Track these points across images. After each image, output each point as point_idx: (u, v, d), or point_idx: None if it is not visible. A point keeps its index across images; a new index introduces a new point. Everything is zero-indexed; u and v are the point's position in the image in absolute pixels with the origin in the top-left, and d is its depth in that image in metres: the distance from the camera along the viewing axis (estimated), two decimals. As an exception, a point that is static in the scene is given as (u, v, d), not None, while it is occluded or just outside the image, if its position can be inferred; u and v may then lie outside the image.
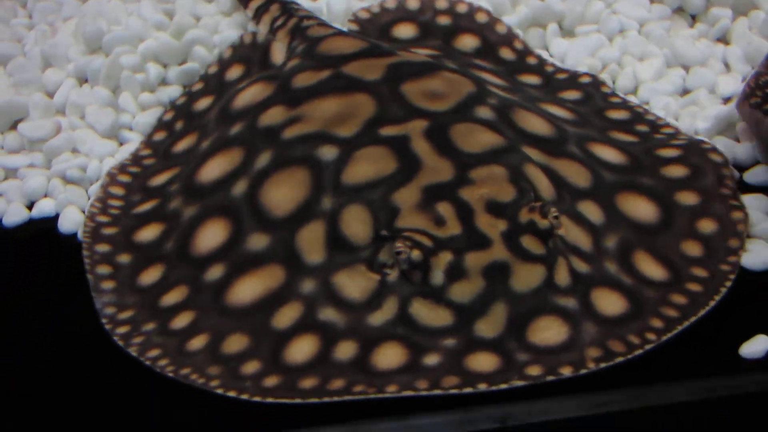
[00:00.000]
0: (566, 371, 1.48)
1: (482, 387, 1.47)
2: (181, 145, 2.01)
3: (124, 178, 1.96)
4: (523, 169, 1.69)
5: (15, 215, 2.02)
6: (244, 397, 1.51)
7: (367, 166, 1.70)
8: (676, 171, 1.83)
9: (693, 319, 1.57)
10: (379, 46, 2.02)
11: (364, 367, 1.52)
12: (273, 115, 1.87)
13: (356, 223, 1.64)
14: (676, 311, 1.58)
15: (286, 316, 1.61)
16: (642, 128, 1.97)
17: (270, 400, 1.50)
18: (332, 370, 1.52)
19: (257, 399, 1.50)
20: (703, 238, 1.71)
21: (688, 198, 1.78)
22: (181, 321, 1.65)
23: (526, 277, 1.56)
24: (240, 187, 1.79)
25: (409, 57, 1.97)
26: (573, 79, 2.13)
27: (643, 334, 1.53)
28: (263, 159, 1.80)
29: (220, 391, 1.52)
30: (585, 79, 2.12)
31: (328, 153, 1.74)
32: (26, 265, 1.90)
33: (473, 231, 1.59)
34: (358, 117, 1.79)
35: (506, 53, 2.21)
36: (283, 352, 1.56)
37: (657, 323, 1.56)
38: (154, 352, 1.60)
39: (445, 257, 1.56)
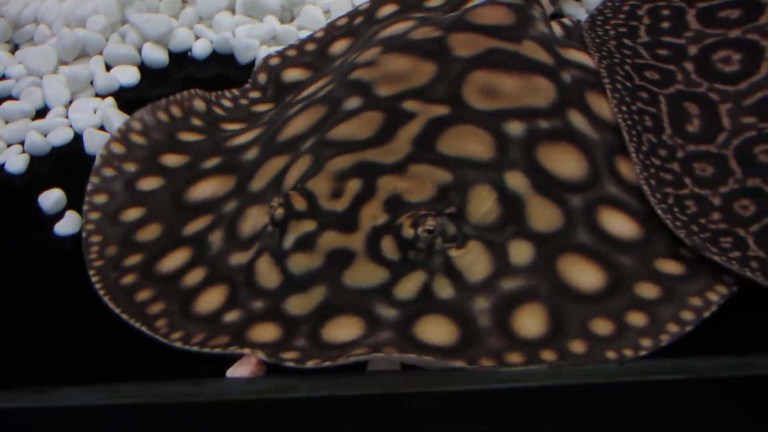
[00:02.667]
0: (289, 357, 1.49)
1: (218, 348, 1.53)
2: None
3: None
4: (471, 186, 1.65)
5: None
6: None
7: (352, 127, 1.75)
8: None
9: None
10: (520, 28, 1.96)
11: (185, 302, 1.63)
12: (367, 54, 1.93)
13: (296, 170, 1.71)
14: (492, 360, 1.52)
15: (194, 226, 1.77)
16: None
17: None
18: (166, 291, 1.67)
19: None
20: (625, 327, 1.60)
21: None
22: (169, 264, 1.73)
23: (362, 275, 1.55)
24: (292, 111, 1.92)
25: (527, 50, 1.90)
26: None
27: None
28: (324, 90, 1.91)
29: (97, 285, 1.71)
30: None
31: (351, 103, 1.81)
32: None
33: (352, 214, 1.59)
34: (406, 83, 1.82)
35: None
36: (159, 260, 1.73)
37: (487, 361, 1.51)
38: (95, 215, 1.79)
39: (305, 226, 1.58)
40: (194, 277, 1.68)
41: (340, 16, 2.30)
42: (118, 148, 1.95)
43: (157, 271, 1.72)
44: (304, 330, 1.52)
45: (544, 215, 1.67)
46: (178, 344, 1.57)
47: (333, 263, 1.56)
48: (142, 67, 2.42)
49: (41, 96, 2.31)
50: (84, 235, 1.82)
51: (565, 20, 2.14)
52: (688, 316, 1.58)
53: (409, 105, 1.77)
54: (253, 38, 2.39)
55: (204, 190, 1.85)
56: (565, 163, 1.74)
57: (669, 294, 1.60)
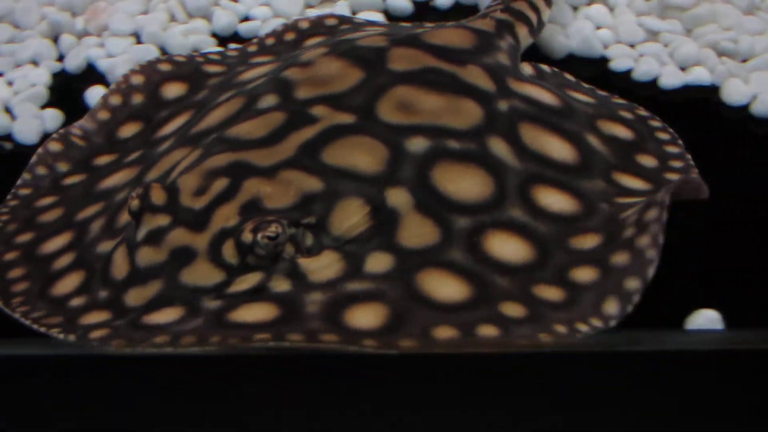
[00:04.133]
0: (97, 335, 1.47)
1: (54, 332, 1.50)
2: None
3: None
4: (340, 199, 1.59)
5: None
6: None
7: (251, 125, 1.71)
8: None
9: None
10: (471, 53, 1.89)
11: (46, 285, 1.61)
12: (311, 53, 1.90)
13: (183, 164, 1.68)
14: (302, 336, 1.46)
15: (94, 209, 1.78)
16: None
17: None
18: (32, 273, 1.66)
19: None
20: None
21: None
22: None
23: (198, 274, 1.51)
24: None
25: (467, 74, 1.82)
26: None
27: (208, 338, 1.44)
28: (256, 82, 1.89)
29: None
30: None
31: (266, 101, 1.78)
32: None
33: (207, 213, 1.55)
34: (326, 87, 1.77)
35: None
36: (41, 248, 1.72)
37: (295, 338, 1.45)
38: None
39: (158, 220, 1.56)
40: (63, 261, 1.67)
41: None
42: (54, 147, 1.94)
43: (37, 252, 1.71)
44: (130, 317, 1.50)
45: (416, 232, 1.59)
46: (17, 314, 1.57)
47: (174, 260, 1.53)
48: (387, 14, 2.39)
49: (293, 37, 2.29)
50: None
51: (544, 66, 2.03)
52: (546, 339, 1.48)
53: (316, 110, 1.72)
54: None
55: (111, 180, 1.83)
56: (462, 183, 1.65)
57: (534, 316, 1.51)
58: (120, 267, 1.57)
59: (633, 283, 1.52)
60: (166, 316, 1.49)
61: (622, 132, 1.86)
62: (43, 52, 2.29)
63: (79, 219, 1.75)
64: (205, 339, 1.44)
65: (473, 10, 2.38)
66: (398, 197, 1.61)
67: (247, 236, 1.51)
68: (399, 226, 1.59)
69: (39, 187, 1.87)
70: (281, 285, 1.52)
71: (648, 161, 1.81)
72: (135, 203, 1.57)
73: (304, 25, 2.20)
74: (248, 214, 1.54)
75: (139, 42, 2.34)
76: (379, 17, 2.37)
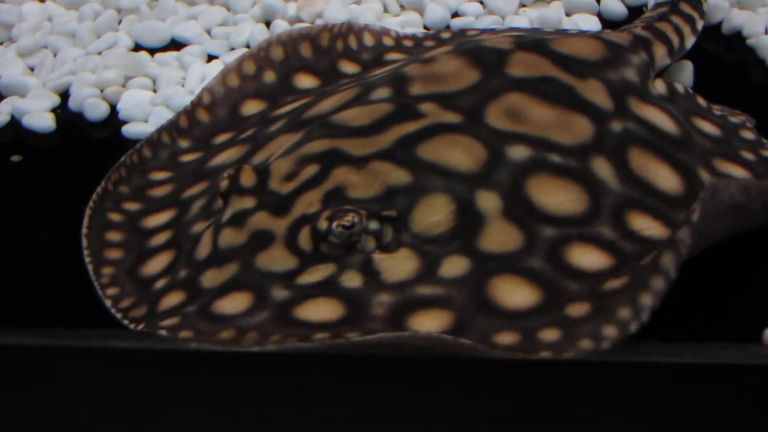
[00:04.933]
0: (167, 324, 1.47)
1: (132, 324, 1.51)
2: None
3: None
4: (426, 193, 1.55)
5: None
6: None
7: (356, 113, 1.69)
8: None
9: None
10: (596, 66, 1.83)
11: (133, 269, 1.61)
12: (434, 51, 1.89)
13: (275, 146, 1.70)
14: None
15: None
16: None
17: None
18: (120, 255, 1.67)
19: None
20: None
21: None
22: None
23: (272, 259, 1.50)
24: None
25: (585, 89, 1.77)
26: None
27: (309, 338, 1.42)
28: (377, 73, 1.90)
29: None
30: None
31: (379, 93, 1.76)
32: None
33: (290, 199, 1.54)
34: (440, 85, 1.74)
35: None
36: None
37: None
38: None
39: (244, 203, 1.55)
40: (159, 239, 1.67)
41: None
42: (182, 122, 1.93)
43: (140, 225, 1.72)
44: (203, 300, 1.49)
45: (499, 237, 1.55)
46: (108, 302, 1.57)
47: (252, 243, 1.52)
48: (601, 17, 2.35)
49: (508, 35, 2.26)
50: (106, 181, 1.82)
51: (678, 86, 1.92)
52: (609, 332, 1.42)
53: (424, 106, 1.69)
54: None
55: (221, 158, 1.82)
56: (556, 197, 1.61)
57: (600, 313, 1.46)
58: (204, 247, 1.56)
59: None
60: (234, 304, 1.48)
61: (738, 172, 1.76)
62: (258, 36, 2.29)
63: (184, 197, 1.76)
64: (265, 339, 1.42)
65: (688, 18, 2.33)
66: (488, 200, 1.58)
67: (322, 224, 1.49)
68: (483, 229, 1.56)
69: (158, 158, 1.88)
70: (352, 280, 1.50)
71: None
72: (224, 184, 1.57)
73: (446, 35, 2.17)
74: (330, 201, 1.53)
75: (353, 32, 2.32)
76: (593, 20, 2.32)
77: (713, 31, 2.29)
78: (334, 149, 1.61)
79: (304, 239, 1.51)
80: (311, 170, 1.58)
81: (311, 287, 1.49)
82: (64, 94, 2.18)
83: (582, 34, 1.97)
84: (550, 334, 1.44)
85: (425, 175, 1.58)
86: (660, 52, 1.97)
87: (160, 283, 1.57)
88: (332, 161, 1.59)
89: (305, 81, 2.01)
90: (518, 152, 1.64)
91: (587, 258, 1.55)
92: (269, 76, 2.00)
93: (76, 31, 2.33)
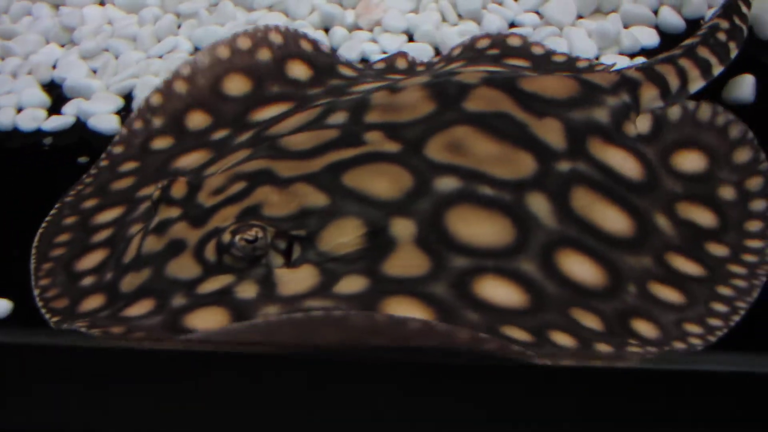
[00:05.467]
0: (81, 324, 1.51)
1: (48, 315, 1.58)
2: None
3: None
4: (338, 217, 1.56)
5: None
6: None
7: (302, 138, 1.72)
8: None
9: None
10: (563, 105, 1.79)
11: (69, 262, 1.67)
12: (409, 80, 1.89)
13: (229, 164, 1.71)
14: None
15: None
16: None
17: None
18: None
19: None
20: None
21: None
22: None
23: (179, 267, 1.54)
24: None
25: (539, 127, 1.74)
26: None
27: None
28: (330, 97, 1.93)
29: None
30: None
31: (335, 118, 1.78)
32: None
33: (209, 212, 1.58)
34: (394, 116, 1.75)
35: None
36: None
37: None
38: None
39: (170, 212, 1.59)
40: (102, 235, 1.73)
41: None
42: (155, 100, 1.98)
43: (90, 222, 1.78)
44: (118, 306, 1.54)
45: (405, 263, 1.54)
46: (36, 291, 1.64)
47: (167, 251, 1.56)
48: (658, 29, 2.36)
49: (566, 46, 2.28)
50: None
51: (673, 112, 1.88)
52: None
53: (370, 135, 1.71)
54: (776, 13, 2.31)
55: (187, 160, 1.87)
56: (477, 228, 1.59)
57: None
58: (131, 252, 1.61)
59: None
60: (139, 309, 1.52)
61: (704, 218, 1.74)
62: (318, 43, 2.31)
63: (138, 195, 1.80)
64: (143, 340, 1.46)
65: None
66: (402, 227, 1.58)
67: (226, 236, 1.52)
68: (390, 254, 1.55)
69: (130, 145, 1.92)
70: (247, 291, 1.52)
71: (719, 251, 1.70)
72: (156, 194, 1.61)
73: (456, 51, 2.18)
74: (245, 217, 1.56)
75: (411, 40, 2.34)
76: (650, 32, 2.33)
77: (773, 44, 2.29)
78: (266, 170, 1.64)
79: (210, 250, 1.54)
80: (238, 187, 1.61)
81: (206, 296, 1.51)
82: (128, 97, 2.21)
83: (560, 75, 1.92)
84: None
85: (343, 200, 1.59)
86: (649, 95, 1.90)
87: (87, 281, 1.63)
88: (259, 181, 1.62)
89: (298, 71, 2.04)
90: (447, 183, 1.63)
91: (496, 291, 1.53)
92: (263, 54, 2.03)
93: (137, 34, 2.36)
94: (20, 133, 2.14)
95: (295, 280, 1.52)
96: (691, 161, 1.81)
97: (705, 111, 1.87)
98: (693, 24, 2.37)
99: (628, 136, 1.82)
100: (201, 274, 1.53)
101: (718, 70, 2.01)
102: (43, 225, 1.80)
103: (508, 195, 1.64)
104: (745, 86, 2.12)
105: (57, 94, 2.24)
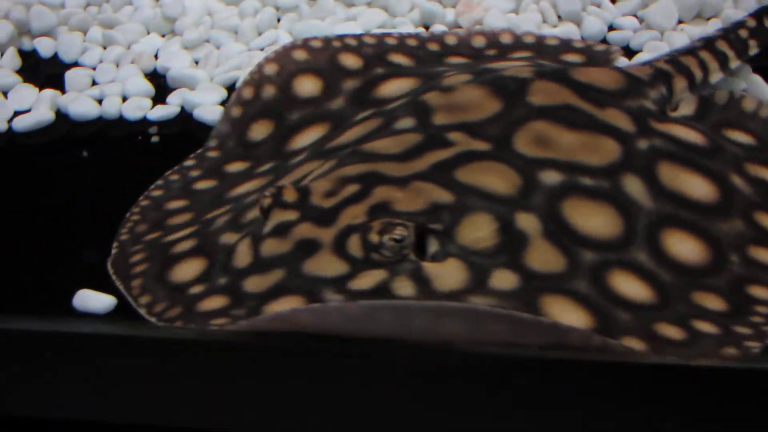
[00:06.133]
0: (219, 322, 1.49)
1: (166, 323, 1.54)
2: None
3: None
4: (469, 211, 1.57)
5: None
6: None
7: (387, 142, 1.71)
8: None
9: None
10: (613, 96, 1.84)
11: (160, 275, 1.63)
12: (454, 79, 1.88)
13: (316, 173, 1.70)
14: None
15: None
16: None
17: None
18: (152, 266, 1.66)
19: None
20: None
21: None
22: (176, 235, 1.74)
23: (321, 264, 1.52)
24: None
25: (606, 116, 1.78)
26: None
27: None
28: (395, 104, 1.88)
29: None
30: None
31: (403, 123, 1.78)
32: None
33: (334, 212, 1.56)
34: (464, 115, 1.76)
35: None
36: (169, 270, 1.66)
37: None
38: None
39: (286, 215, 1.57)
40: (183, 245, 1.69)
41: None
42: (189, 163, 1.99)
43: (161, 241, 1.73)
44: (250, 304, 1.51)
45: (543, 257, 1.56)
46: (143, 311, 1.60)
47: (298, 251, 1.54)
48: (757, 37, 2.35)
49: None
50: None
51: (719, 96, 1.95)
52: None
53: (453, 135, 1.71)
54: None
55: (245, 187, 1.84)
56: (592, 220, 1.62)
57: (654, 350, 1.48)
58: (242, 257, 1.59)
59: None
60: (284, 304, 1.49)
61: None
62: (416, 40, 2.32)
63: (205, 218, 1.77)
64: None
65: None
66: (527, 221, 1.60)
67: (373, 237, 1.52)
68: (526, 248, 1.57)
69: (170, 189, 1.91)
70: (404, 287, 1.51)
71: None
72: (267, 200, 1.59)
73: (451, 40, 2.18)
74: (375, 213, 1.55)
75: (512, 40, 2.34)
76: (751, 40, 2.32)
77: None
78: (372, 172, 1.64)
79: (354, 246, 1.53)
80: (352, 189, 1.60)
81: (365, 293, 1.50)
82: (231, 88, 2.23)
83: (605, 67, 1.99)
84: None
85: (466, 196, 1.60)
86: (679, 86, 1.97)
87: (195, 289, 1.59)
88: (372, 181, 1.61)
89: (307, 87, 2.04)
90: (550, 177, 1.66)
91: (630, 287, 1.56)
92: (268, 91, 2.04)
93: (238, 27, 2.38)
94: (126, 122, 2.17)
95: (446, 275, 1.53)
96: (740, 137, 1.86)
97: (750, 101, 1.93)
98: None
99: (674, 117, 1.89)
100: (348, 271, 1.52)
101: (734, 63, 2.10)
102: (122, 235, 1.79)
103: (605, 182, 1.67)
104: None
105: (160, 84, 2.26)
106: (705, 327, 1.51)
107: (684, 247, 1.63)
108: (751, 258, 1.64)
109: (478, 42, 2.20)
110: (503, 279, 1.53)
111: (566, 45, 2.21)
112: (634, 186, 1.69)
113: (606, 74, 1.91)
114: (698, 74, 2.03)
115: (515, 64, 1.98)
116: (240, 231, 1.66)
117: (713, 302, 1.57)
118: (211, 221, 1.75)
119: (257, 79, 2.03)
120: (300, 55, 2.07)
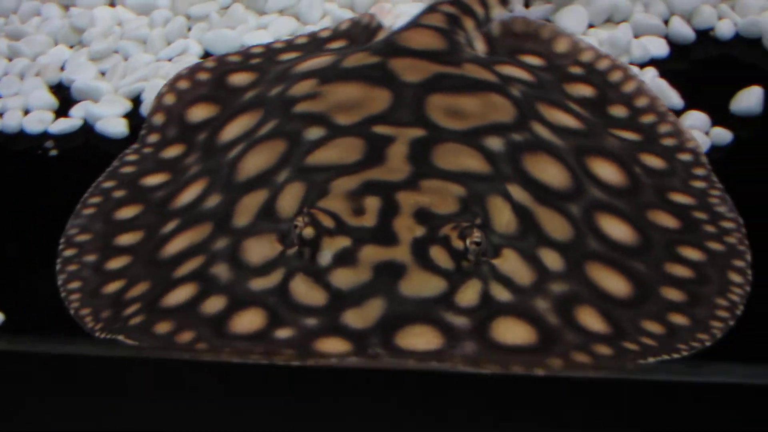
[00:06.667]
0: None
1: (312, 361, 1.42)
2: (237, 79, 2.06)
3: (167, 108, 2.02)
4: (486, 197, 1.61)
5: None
6: (105, 336, 1.55)
7: (333, 152, 1.68)
8: (681, 272, 1.68)
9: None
10: (453, 52, 1.94)
11: (217, 325, 1.50)
12: (302, 87, 1.87)
13: (289, 197, 1.62)
14: (588, 357, 1.48)
15: (186, 268, 1.61)
16: (700, 216, 1.79)
17: (121, 338, 1.54)
18: (189, 320, 1.51)
19: (110, 336, 1.54)
20: (667, 324, 1.58)
21: (672, 294, 1.63)
22: (116, 263, 1.69)
23: (419, 285, 1.48)
24: (236, 151, 1.80)
25: (470, 71, 1.88)
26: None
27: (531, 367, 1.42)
28: (267, 127, 1.81)
29: (100, 334, 1.56)
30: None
31: (313, 134, 1.74)
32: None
33: (385, 228, 1.52)
34: (363, 110, 1.76)
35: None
36: (163, 298, 1.57)
37: (556, 363, 1.46)
38: (73, 285, 1.66)
39: (341, 242, 1.51)
40: (215, 304, 1.55)
41: (231, 53, 2.20)
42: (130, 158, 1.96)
43: (165, 305, 1.58)
44: (374, 341, 1.44)
45: (554, 225, 1.64)
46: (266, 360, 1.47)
47: (383, 276, 1.48)
48: (668, 39, 2.35)
49: (577, 55, 2.27)
50: None
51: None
52: (723, 314, 1.59)
53: (380, 129, 1.71)
54: (792, 25, 2.30)
55: (178, 243, 1.70)
56: (550, 173, 1.71)
57: (694, 298, 1.62)
58: (310, 294, 1.50)
59: None
60: (426, 339, 1.44)
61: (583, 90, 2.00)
62: (329, 47, 2.30)
63: (185, 273, 1.63)
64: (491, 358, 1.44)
65: (756, 42, 2.33)
66: (517, 193, 1.64)
67: (458, 243, 1.50)
68: (537, 220, 1.63)
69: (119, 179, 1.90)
70: (501, 293, 1.52)
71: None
72: (309, 230, 1.51)
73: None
74: (427, 222, 1.54)
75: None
76: (661, 42, 2.32)
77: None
78: (370, 181, 1.60)
79: (442, 258, 1.51)
80: (374, 202, 1.56)
81: (479, 309, 1.49)
82: (136, 100, 2.20)
83: (409, 27, 2.05)
84: (679, 319, 1.58)
85: (468, 183, 1.61)
86: (470, 26, 2.09)
87: (283, 333, 1.47)
88: (383, 190, 1.58)
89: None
90: (494, 143, 1.72)
91: (616, 229, 1.70)
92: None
93: (147, 37, 2.36)
94: (26, 136, 2.14)
95: (514, 269, 1.55)
96: (532, 60, 2.05)
97: (519, 22, 2.12)
98: (703, 34, 2.36)
99: (501, 59, 2.03)
100: (447, 285, 1.49)
101: None
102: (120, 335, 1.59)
103: (527, 134, 1.77)
104: (753, 98, 2.11)
105: (65, 97, 2.23)
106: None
107: (608, 171, 1.81)
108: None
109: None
110: (551, 259, 1.60)
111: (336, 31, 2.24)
112: (542, 132, 1.78)
113: (425, 35, 1.98)
114: (480, 11, 2.14)
115: (328, 59, 1.98)
116: (263, 273, 1.55)
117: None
118: (200, 274, 1.61)
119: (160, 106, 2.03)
120: (186, 84, 2.06)
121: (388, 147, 1.67)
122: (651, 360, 1.51)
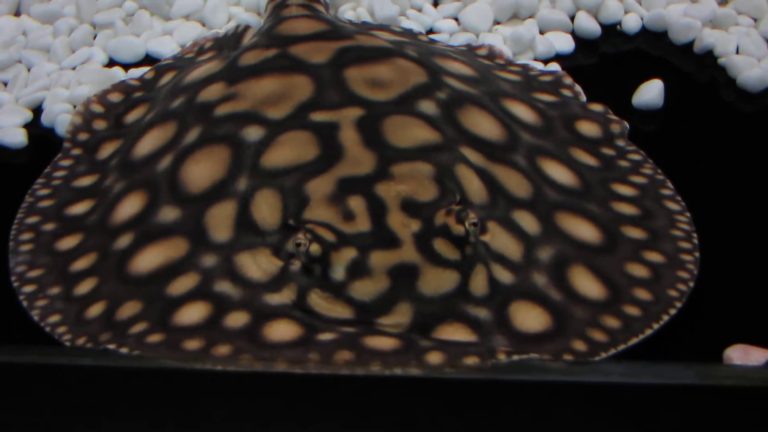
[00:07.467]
0: (470, 360, 1.39)
1: (376, 367, 1.39)
2: (132, 116, 2.00)
3: (75, 151, 1.96)
4: (453, 169, 1.62)
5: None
6: (124, 350, 1.49)
7: (288, 151, 1.66)
8: (627, 209, 1.73)
9: (622, 347, 1.50)
10: (339, 29, 1.96)
11: (253, 337, 1.47)
12: (211, 92, 1.84)
13: (266, 208, 1.60)
14: (606, 336, 1.50)
15: (181, 285, 1.58)
16: (608, 152, 1.86)
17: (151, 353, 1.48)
18: (220, 335, 1.48)
19: (137, 352, 1.48)
20: (649, 264, 1.62)
21: (635, 233, 1.68)
22: (84, 287, 1.64)
23: (436, 282, 1.48)
24: (165, 162, 1.76)
25: (365, 41, 1.91)
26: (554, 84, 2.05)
27: (561, 355, 1.46)
28: (192, 135, 1.78)
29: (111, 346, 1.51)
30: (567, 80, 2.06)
31: (253, 134, 1.71)
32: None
33: (383, 229, 1.52)
34: (292, 99, 1.75)
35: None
36: (172, 316, 1.54)
37: (579, 346, 1.49)
38: (54, 318, 1.60)
39: (348, 254, 1.50)
40: (239, 318, 1.52)
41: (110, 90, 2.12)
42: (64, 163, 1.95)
43: (179, 324, 1.54)
44: (416, 336, 1.46)
45: (514, 183, 1.67)
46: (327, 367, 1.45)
47: (400, 280, 1.49)
48: (574, 35, 2.36)
49: (482, 52, 2.27)
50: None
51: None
52: (685, 245, 1.68)
53: (318, 117, 1.71)
54: (693, 18, 2.32)
55: (150, 259, 1.65)
56: (485, 126, 1.75)
57: (653, 234, 1.68)
58: (335, 310, 1.50)
59: None
60: (463, 333, 1.47)
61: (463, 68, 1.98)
62: (233, 52, 2.29)
63: (181, 293, 1.59)
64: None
65: (662, 36, 2.34)
66: (471, 155, 1.67)
67: (458, 229, 1.51)
68: (500, 181, 1.66)
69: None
70: (503, 275, 1.54)
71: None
72: (315, 247, 1.51)
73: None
74: (415, 213, 1.53)
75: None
76: (567, 38, 2.33)
77: (686, 50, 2.30)
78: (343, 178, 1.60)
79: (447, 249, 1.51)
80: (358, 202, 1.56)
81: (491, 298, 1.50)
82: (37, 110, 2.18)
83: (287, 19, 2.03)
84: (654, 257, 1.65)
85: (431, 158, 1.62)
86: (321, 8, 2.13)
87: (325, 336, 1.47)
88: (360, 186, 1.58)
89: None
90: (426, 107, 1.75)
91: (558, 173, 1.75)
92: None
93: (51, 45, 2.33)
94: (-76, 148, 2.10)
95: (503, 243, 1.58)
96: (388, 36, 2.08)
97: None
98: (609, 29, 2.37)
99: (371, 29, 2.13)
100: (460, 277, 1.50)
101: None
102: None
103: (446, 89, 1.81)
104: (654, 91, 2.11)
105: (-36, 108, 2.20)
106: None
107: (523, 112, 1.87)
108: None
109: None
110: (528, 222, 1.63)
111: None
112: (455, 84, 1.82)
113: (302, 21, 2.00)
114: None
115: (220, 64, 1.96)
116: (273, 289, 1.54)
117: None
118: (204, 293, 1.57)
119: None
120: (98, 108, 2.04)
121: (337, 135, 1.67)
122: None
